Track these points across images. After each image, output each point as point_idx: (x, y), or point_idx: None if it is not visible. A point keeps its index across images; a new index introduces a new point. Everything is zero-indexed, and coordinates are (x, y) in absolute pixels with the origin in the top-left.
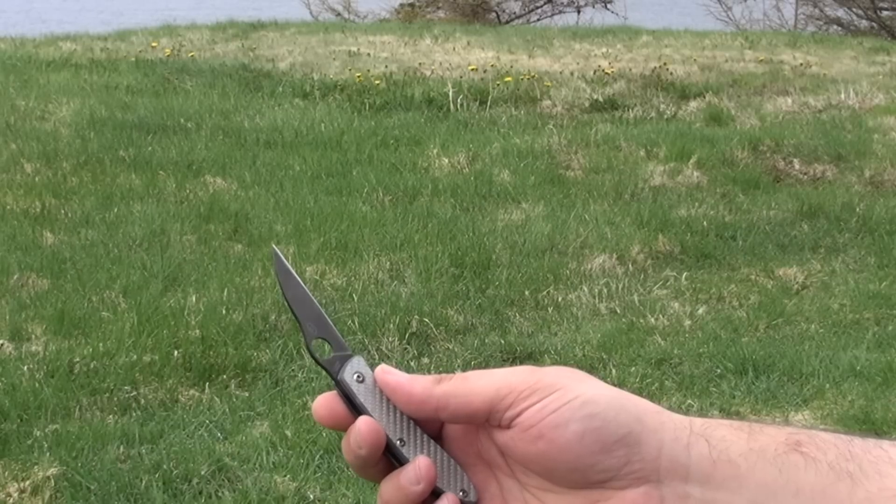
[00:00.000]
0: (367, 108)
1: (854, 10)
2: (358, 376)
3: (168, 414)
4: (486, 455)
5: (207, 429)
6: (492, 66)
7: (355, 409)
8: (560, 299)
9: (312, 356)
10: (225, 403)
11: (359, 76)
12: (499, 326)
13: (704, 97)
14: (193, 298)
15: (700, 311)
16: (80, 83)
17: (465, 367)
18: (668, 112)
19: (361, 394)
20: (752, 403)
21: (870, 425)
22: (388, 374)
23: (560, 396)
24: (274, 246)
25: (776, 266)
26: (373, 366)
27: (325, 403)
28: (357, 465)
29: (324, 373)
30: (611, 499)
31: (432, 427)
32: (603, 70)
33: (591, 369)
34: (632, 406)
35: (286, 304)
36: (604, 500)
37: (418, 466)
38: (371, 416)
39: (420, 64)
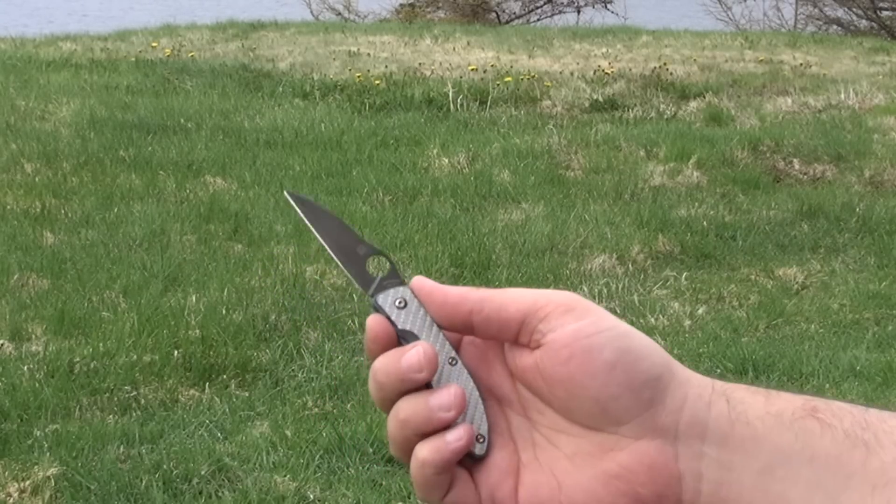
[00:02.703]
0: (367, 108)
1: (854, 10)
2: (400, 302)
3: (168, 414)
4: (497, 390)
5: (207, 429)
6: (492, 66)
7: (397, 331)
8: None
9: (357, 283)
10: (225, 403)
11: (359, 76)
12: None
13: (704, 97)
14: (193, 298)
15: (700, 311)
16: (80, 83)
17: None
18: (668, 112)
19: (402, 319)
20: None
21: None
22: (425, 280)
23: (596, 322)
24: (286, 192)
25: (776, 266)
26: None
27: (378, 319)
28: (393, 393)
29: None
30: (624, 449)
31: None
32: (603, 70)
33: None
34: (663, 353)
35: (329, 251)
36: (617, 450)
37: (452, 393)
38: (418, 336)
39: (420, 64)
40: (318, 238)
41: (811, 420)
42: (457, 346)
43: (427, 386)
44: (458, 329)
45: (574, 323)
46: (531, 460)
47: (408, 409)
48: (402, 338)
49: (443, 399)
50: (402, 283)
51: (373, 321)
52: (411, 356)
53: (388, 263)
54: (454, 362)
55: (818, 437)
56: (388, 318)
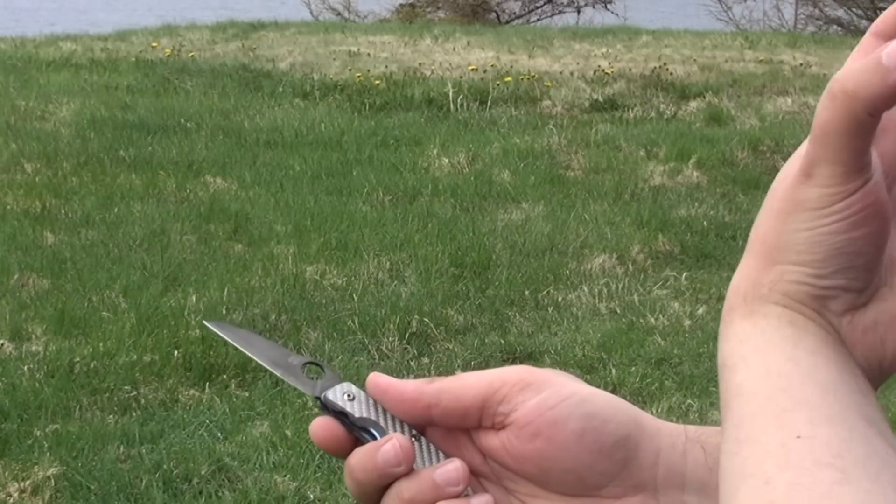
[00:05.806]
0: (367, 108)
1: (854, 10)
2: (348, 395)
3: (168, 414)
4: (469, 464)
5: (207, 429)
6: (492, 66)
7: (352, 424)
8: (560, 299)
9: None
10: (225, 403)
11: (359, 76)
12: (499, 326)
13: (704, 97)
14: (193, 298)
15: (700, 311)
16: (81, 83)
17: (465, 367)
18: (668, 112)
19: (355, 409)
20: None
21: None
22: (379, 377)
23: (556, 392)
24: (205, 322)
25: None
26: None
27: (322, 423)
28: (373, 488)
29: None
30: None
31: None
32: (603, 70)
33: (591, 369)
34: (629, 408)
35: (262, 364)
36: None
37: (456, 467)
38: (381, 427)
39: (420, 64)
40: (253, 358)
41: None
42: (422, 429)
43: None
44: (418, 424)
45: (535, 397)
46: None
47: (413, 488)
48: (360, 428)
49: (450, 475)
50: (342, 380)
51: (316, 426)
52: (387, 451)
53: (322, 369)
54: (418, 438)
55: None
56: (343, 410)
